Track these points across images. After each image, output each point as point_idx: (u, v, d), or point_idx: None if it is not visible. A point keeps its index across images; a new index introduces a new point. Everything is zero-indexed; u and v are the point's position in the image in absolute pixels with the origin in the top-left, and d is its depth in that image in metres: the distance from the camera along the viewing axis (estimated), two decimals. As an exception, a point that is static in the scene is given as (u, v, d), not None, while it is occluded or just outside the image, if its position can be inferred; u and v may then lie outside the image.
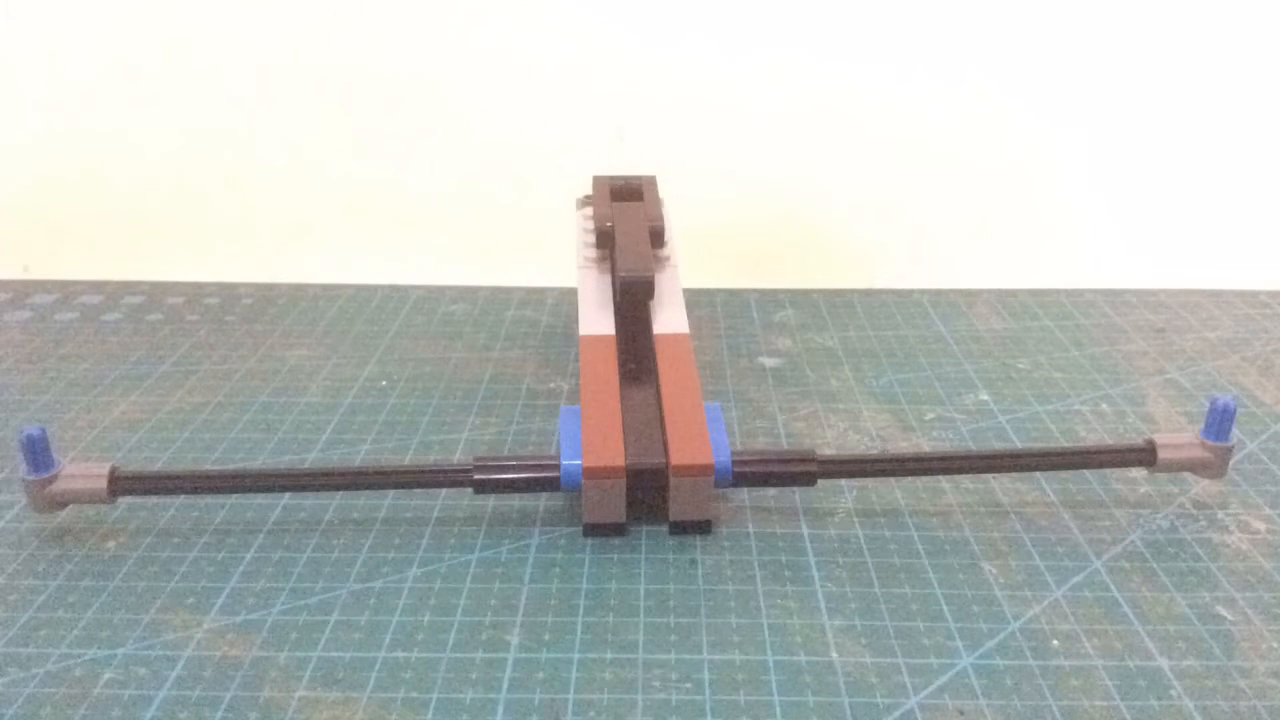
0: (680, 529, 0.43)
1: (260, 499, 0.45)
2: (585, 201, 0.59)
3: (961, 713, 0.34)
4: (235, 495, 0.46)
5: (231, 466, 0.49)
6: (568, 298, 0.68)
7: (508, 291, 0.69)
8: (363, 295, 0.69)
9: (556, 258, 0.64)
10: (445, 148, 0.73)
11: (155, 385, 0.56)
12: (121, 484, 0.43)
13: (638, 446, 0.43)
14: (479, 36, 0.71)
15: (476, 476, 0.43)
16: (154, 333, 0.63)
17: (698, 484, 0.42)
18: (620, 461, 0.42)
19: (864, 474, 0.46)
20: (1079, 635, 0.38)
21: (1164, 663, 0.36)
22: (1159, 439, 0.45)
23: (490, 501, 0.45)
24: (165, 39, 0.71)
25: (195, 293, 0.69)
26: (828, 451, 0.48)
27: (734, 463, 0.43)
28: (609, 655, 0.37)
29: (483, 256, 0.74)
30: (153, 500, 0.45)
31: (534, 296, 0.69)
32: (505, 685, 0.35)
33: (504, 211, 0.74)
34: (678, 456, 0.42)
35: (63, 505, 0.43)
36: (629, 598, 0.39)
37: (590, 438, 0.43)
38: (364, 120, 0.73)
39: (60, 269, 0.72)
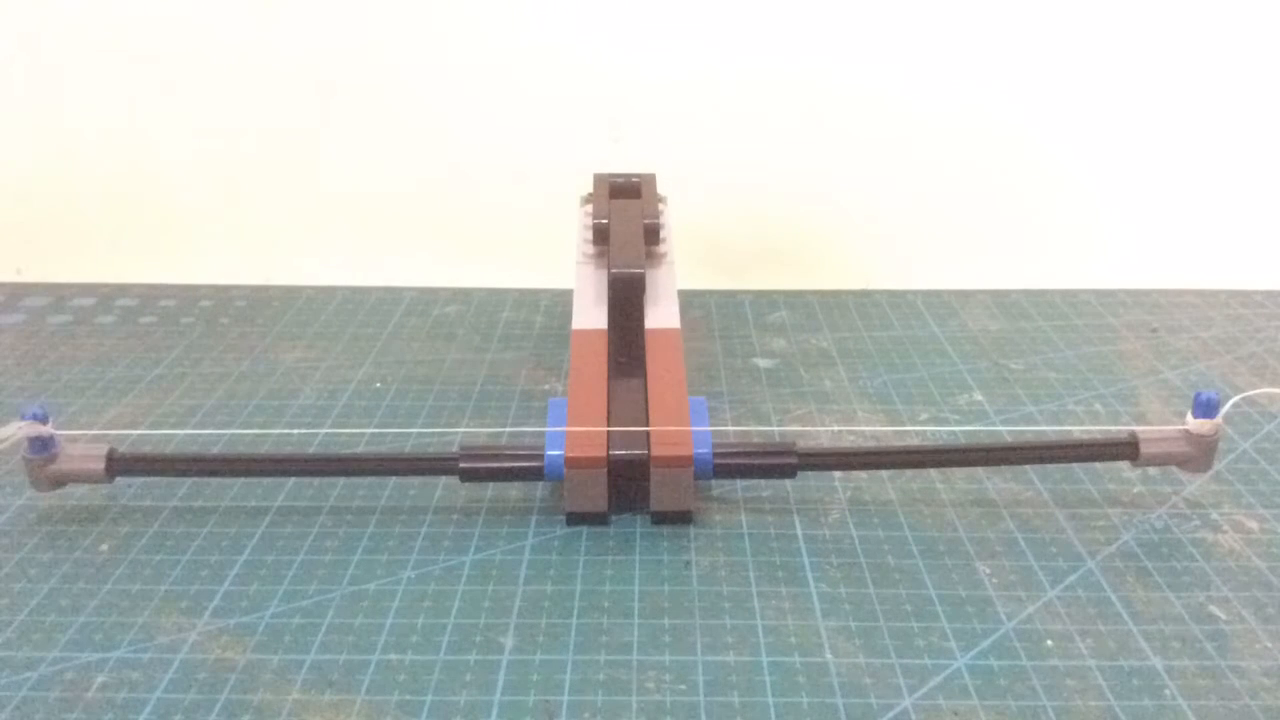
0: (662, 519, 0.44)
1: (253, 502, 0.45)
2: (588, 199, 0.60)
3: (956, 713, 0.34)
4: (227, 499, 0.46)
5: (224, 450, 0.49)
6: (562, 299, 0.68)
7: (502, 293, 0.69)
8: (357, 297, 0.69)
9: (551, 260, 0.64)
10: (439, 150, 0.73)
11: (149, 388, 0.56)
12: (119, 464, 0.44)
13: (620, 438, 0.43)
14: (474, 38, 0.71)
15: (463, 465, 0.44)
16: (147, 336, 0.63)
17: (678, 475, 0.43)
18: (602, 452, 0.43)
19: (844, 466, 0.46)
20: (1073, 635, 0.38)
21: (1158, 662, 0.36)
22: (1141, 432, 0.45)
23: (484, 504, 0.45)
24: (158, 42, 0.71)
25: (189, 295, 0.69)
26: (810, 443, 0.49)
27: (715, 454, 0.44)
28: (603, 657, 0.37)
29: (477, 258, 0.74)
30: (147, 503, 0.45)
31: (528, 298, 0.69)
32: (500, 687, 0.35)
33: (498, 213, 0.74)
34: (658, 448, 0.43)
35: (61, 484, 0.44)
36: (623, 599, 0.39)
37: (574, 428, 0.43)
38: (357, 122, 0.73)
39: (53, 272, 0.72)
